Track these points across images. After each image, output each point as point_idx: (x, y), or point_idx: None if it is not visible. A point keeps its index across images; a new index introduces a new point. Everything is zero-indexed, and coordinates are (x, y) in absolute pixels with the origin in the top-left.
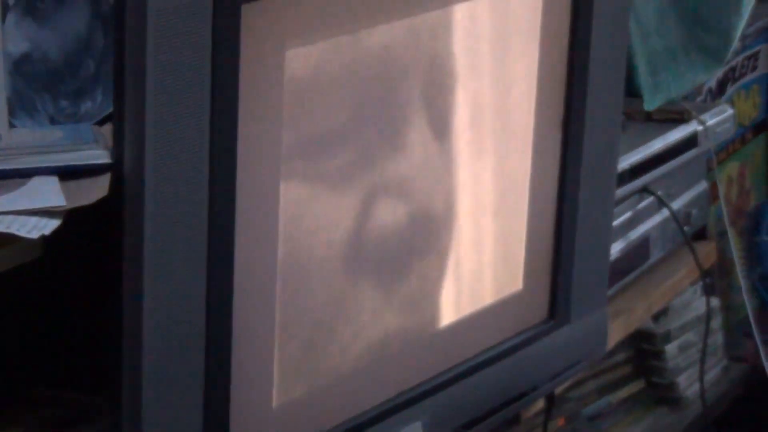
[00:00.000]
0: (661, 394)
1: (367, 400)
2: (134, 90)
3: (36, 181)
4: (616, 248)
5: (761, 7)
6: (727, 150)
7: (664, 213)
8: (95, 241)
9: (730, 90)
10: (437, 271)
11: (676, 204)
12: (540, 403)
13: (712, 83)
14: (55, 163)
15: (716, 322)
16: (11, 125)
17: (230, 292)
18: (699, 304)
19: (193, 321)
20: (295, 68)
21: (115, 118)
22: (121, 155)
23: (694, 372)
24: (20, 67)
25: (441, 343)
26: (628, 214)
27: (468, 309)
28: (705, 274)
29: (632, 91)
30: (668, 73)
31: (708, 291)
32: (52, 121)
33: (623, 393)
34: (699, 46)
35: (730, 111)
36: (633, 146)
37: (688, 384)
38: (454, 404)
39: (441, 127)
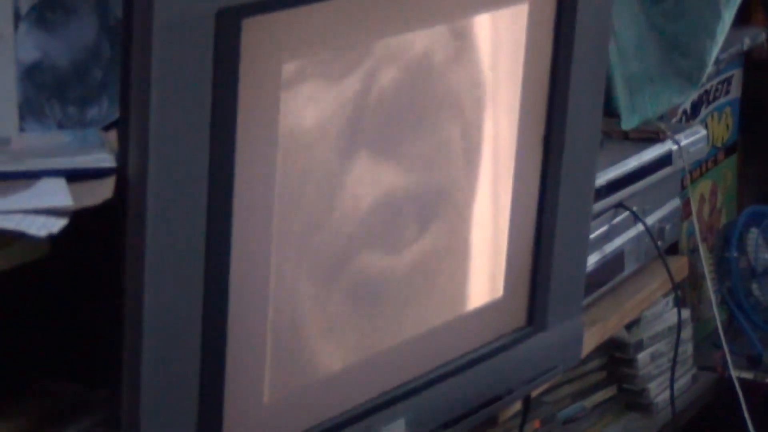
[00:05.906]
0: (632, 400)
1: (356, 397)
2: (139, 97)
3: (44, 182)
4: (592, 260)
5: (735, 33)
6: (700, 169)
7: (639, 228)
8: (99, 241)
9: (704, 112)
10: (423, 278)
11: (650, 219)
12: (517, 406)
13: (687, 105)
14: (63, 166)
15: (686, 333)
16: (21, 130)
17: (226, 292)
18: (670, 316)
19: (191, 319)
20: (292, 80)
21: (120, 124)
22: (125, 159)
23: (665, 380)
24: (30, 74)
25: (425, 346)
26: (604, 228)
27: (451, 314)
28: (676, 286)
29: (610, 110)
30: (645, 95)
31: (679, 303)
32: (60, 127)
33: (596, 398)
34: (675, 70)
35: (703, 132)
36: (610, 163)
37: (658, 391)
38: (436, 404)
39: (428, 141)
